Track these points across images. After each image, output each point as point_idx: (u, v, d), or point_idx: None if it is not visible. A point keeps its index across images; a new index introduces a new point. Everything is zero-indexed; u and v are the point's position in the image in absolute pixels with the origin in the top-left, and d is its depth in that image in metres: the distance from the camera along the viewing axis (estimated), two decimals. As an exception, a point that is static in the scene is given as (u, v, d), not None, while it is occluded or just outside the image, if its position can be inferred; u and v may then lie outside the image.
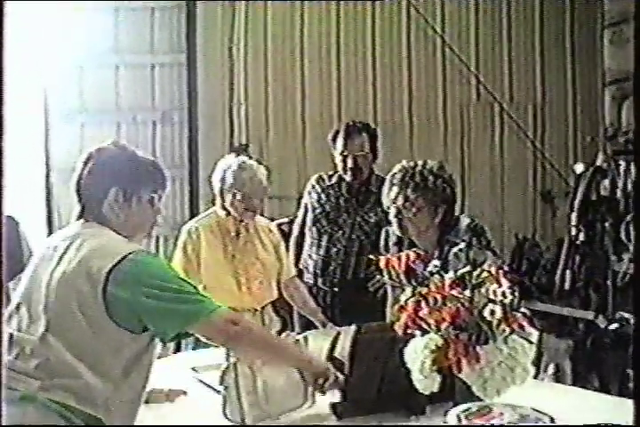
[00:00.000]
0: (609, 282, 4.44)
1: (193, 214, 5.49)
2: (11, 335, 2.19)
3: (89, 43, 5.83)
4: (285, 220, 4.81)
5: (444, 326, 2.31)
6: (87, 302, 2.12)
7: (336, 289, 4.10)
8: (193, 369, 2.99)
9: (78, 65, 5.93)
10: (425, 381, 2.33)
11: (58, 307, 2.16)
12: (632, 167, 4.49)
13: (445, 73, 6.18)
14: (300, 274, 4.06)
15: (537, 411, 2.26)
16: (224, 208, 3.66)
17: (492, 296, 2.32)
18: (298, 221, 4.32)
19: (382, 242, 3.41)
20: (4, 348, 2.17)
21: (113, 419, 2.16)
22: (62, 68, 5.89)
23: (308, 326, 3.78)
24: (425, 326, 2.37)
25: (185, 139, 6.07)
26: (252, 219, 3.67)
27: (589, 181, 4.69)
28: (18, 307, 2.24)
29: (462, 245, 3.03)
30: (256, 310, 3.65)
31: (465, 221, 3.15)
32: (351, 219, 4.09)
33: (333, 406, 2.48)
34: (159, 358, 2.38)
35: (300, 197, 4.44)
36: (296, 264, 4.09)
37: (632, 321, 4.05)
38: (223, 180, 3.61)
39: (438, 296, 2.38)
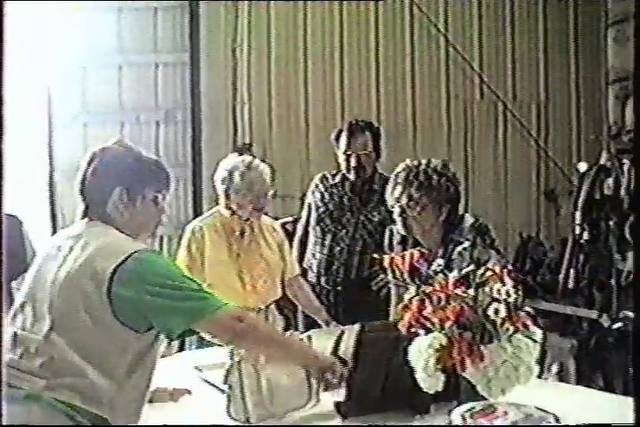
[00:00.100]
0: (613, 281, 4.44)
1: (196, 214, 5.49)
2: (15, 334, 2.20)
3: (92, 42, 5.83)
4: (289, 219, 4.81)
5: (448, 324, 2.31)
6: (92, 301, 2.13)
7: (339, 288, 4.10)
8: (197, 368, 2.99)
9: (81, 65, 5.93)
10: (429, 380, 2.33)
11: (63, 306, 2.16)
12: (637, 166, 4.49)
13: (449, 72, 6.18)
14: (304, 273, 4.06)
15: (541, 410, 2.26)
16: (228, 207, 3.66)
17: (496, 295, 2.32)
18: (302, 220, 4.33)
19: (386, 241, 3.41)
20: (5, 347, 2.17)
21: (117, 418, 2.16)
22: (65, 68, 5.89)
23: (311, 324, 3.78)
24: (429, 324, 2.36)
25: (188, 138, 6.07)
26: (258, 218, 3.68)
27: (593, 180, 4.69)
28: (22, 306, 2.24)
29: (466, 243, 3.03)
30: (260, 308, 3.65)
31: (469, 219, 3.15)
32: (355, 218, 4.09)
33: (337, 405, 2.48)
34: (163, 357, 2.38)
35: (304, 197, 4.45)
36: (300, 263, 4.09)
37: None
38: (231, 181, 3.60)
39: (442, 295, 2.38)
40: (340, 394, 2.50)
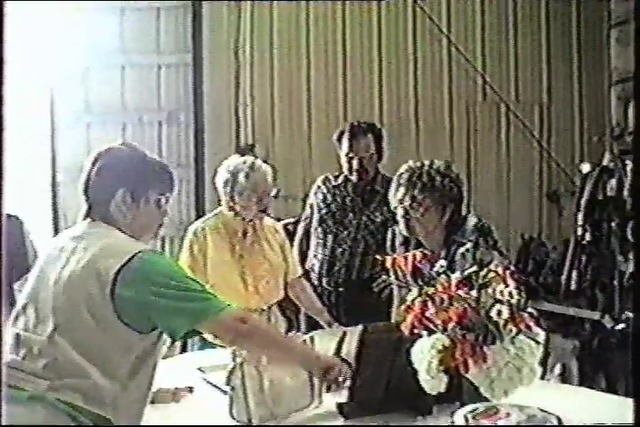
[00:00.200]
0: (615, 282, 4.44)
1: (199, 215, 5.49)
2: (18, 335, 2.20)
3: (95, 43, 5.83)
4: (291, 220, 4.81)
5: (450, 326, 2.31)
6: (96, 302, 2.13)
7: (341, 289, 4.10)
8: (199, 369, 2.99)
9: (84, 65, 5.93)
10: (432, 381, 2.33)
11: (66, 307, 2.16)
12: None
13: (451, 73, 6.18)
14: (306, 274, 4.05)
15: (544, 411, 2.26)
16: (231, 208, 3.66)
17: (498, 296, 2.32)
18: (302, 221, 4.32)
19: (389, 242, 3.41)
20: (6, 347, 2.17)
21: (120, 419, 2.17)
22: (68, 69, 5.89)
23: (314, 326, 3.78)
24: (432, 326, 2.36)
25: (191, 139, 6.07)
26: (261, 219, 3.68)
27: (596, 181, 4.69)
28: (24, 307, 2.24)
29: (469, 245, 3.02)
30: (262, 309, 3.65)
31: (472, 220, 3.15)
32: (357, 218, 4.09)
33: (340, 406, 2.48)
34: (165, 358, 2.38)
35: (306, 197, 4.44)
36: (302, 265, 4.09)
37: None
38: (235, 182, 3.60)
39: (445, 296, 2.38)
40: (343, 395, 2.50)
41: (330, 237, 4.12)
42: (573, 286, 4.68)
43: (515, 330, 2.30)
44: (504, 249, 3.18)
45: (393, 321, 2.93)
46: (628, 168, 4.55)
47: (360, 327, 2.52)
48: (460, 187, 3.17)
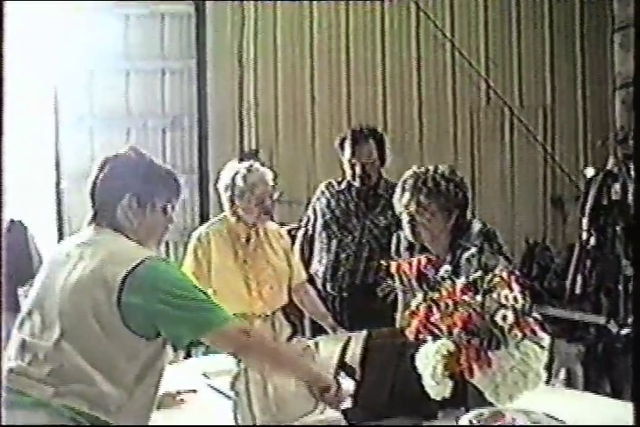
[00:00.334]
0: (620, 287, 4.43)
1: (203, 220, 5.49)
2: (23, 341, 2.19)
3: (99, 48, 5.85)
4: (295, 225, 4.81)
5: (455, 331, 2.30)
6: (102, 308, 2.12)
7: (345, 294, 4.09)
8: (204, 375, 2.99)
9: (89, 70, 5.95)
10: (437, 386, 2.32)
11: (72, 313, 2.16)
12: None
13: (455, 77, 6.19)
14: (311, 279, 4.05)
15: (549, 416, 2.26)
16: (235, 213, 3.66)
17: (503, 301, 2.31)
18: (303, 226, 4.31)
19: (393, 247, 3.40)
20: (5, 351, 2.17)
21: (126, 425, 2.16)
22: (73, 74, 5.91)
23: (318, 331, 3.77)
24: (436, 331, 2.36)
25: (195, 144, 6.08)
26: (265, 222, 3.68)
27: (600, 186, 4.68)
28: (30, 313, 2.24)
29: (474, 249, 3.01)
30: (267, 315, 3.64)
31: (477, 225, 3.14)
32: (360, 223, 4.08)
33: (344, 411, 2.47)
34: (170, 363, 2.37)
35: (310, 202, 4.44)
36: (306, 270, 4.08)
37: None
38: (233, 185, 3.61)
39: (450, 301, 2.37)
40: (348, 400, 2.50)
41: (334, 242, 4.12)
42: (578, 291, 4.67)
43: (520, 335, 2.30)
44: (509, 254, 3.17)
45: (397, 326, 2.92)
46: (633, 172, 4.55)
47: (364, 332, 2.52)
48: (464, 192, 3.16)
